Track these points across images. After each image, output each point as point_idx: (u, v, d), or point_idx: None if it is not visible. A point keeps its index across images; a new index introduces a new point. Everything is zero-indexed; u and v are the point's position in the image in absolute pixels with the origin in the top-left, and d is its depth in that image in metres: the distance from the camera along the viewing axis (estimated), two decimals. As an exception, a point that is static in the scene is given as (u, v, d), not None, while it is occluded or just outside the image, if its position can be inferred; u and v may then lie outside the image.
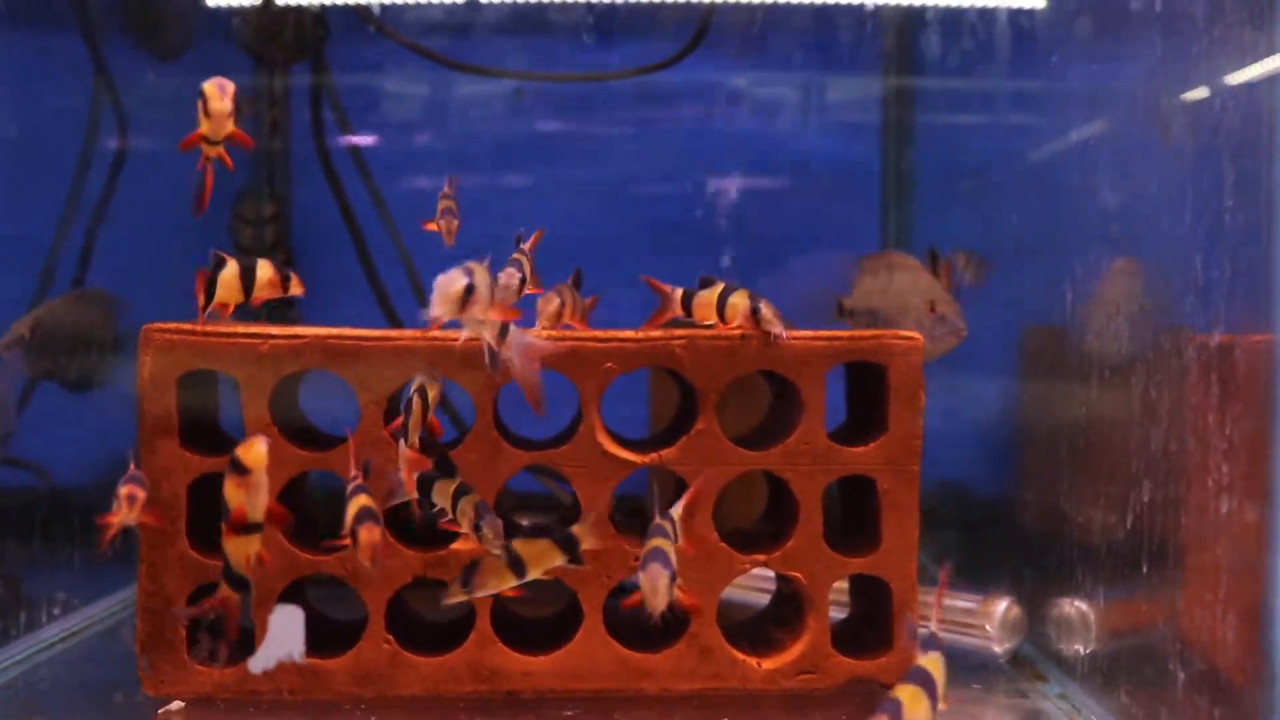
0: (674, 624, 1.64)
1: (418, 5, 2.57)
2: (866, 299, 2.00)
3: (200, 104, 1.42)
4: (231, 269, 1.51)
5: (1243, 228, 1.27)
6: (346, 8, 2.53)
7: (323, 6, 2.52)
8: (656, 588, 1.21)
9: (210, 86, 1.42)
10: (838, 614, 1.73)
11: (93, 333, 2.06)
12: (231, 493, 1.19)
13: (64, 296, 2.06)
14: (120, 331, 2.11)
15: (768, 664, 1.64)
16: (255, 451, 1.18)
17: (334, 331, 1.60)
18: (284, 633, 1.26)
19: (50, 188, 2.28)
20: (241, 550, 1.22)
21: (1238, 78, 1.29)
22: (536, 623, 1.77)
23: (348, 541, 1.24)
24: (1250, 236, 1.26)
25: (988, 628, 1.79)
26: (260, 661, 1.26)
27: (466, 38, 2.65)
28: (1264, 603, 1.26)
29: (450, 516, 1.37)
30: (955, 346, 1.93)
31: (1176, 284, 1.42)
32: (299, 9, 2.52)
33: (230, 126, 1.44)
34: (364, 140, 2.59)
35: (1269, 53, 1.23)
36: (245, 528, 1.20)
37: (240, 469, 1.18)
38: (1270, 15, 1.22)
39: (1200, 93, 1.38)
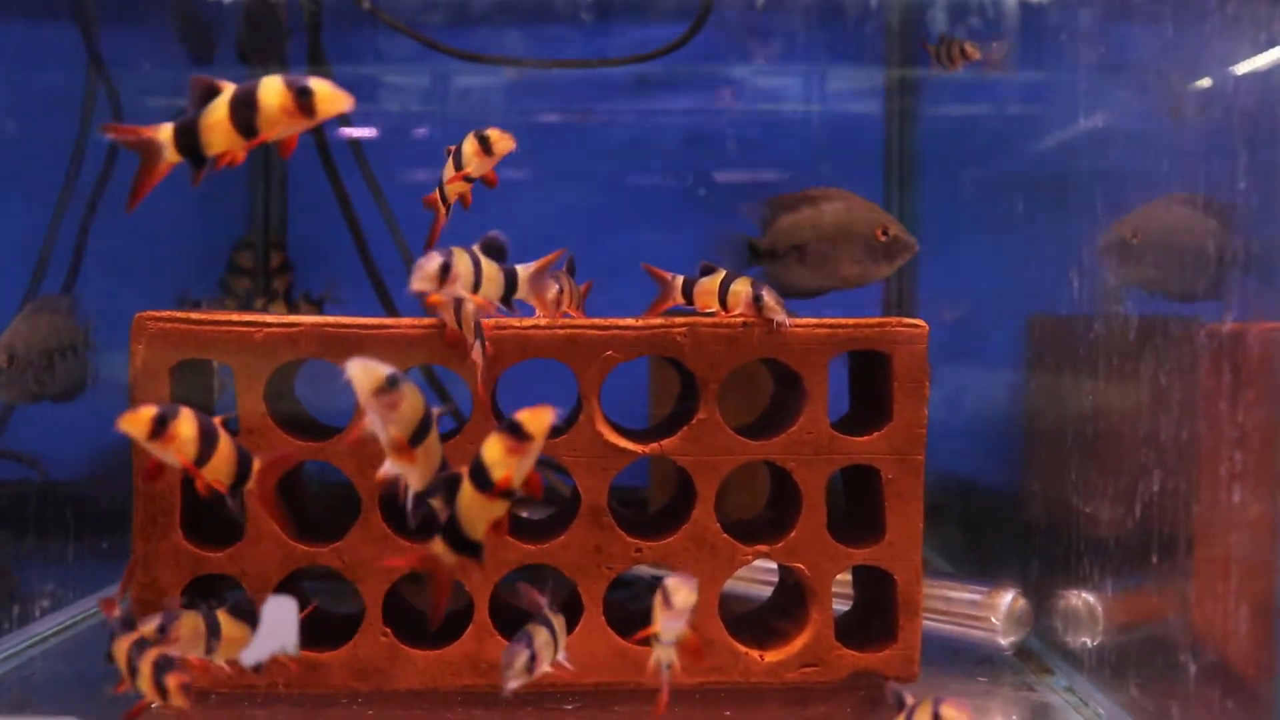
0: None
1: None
2: (790, 236, 2.00)
3: (296, 101, 1.11)
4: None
5: (1256, 212, 1.25)
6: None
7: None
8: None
9: (334, 92, 1.13)
10: (841, 606, 1.71)
11: (61, 340, 2.01)
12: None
13: (21, 314, 2.00)
14: (86, 329, 2.08)
15: (770, 657, 1.62)
16: (133, 421, 1.17)
17: (330, 320, 1.58)
18: (278, 625, 1.24)
19: (43, 179, 2.26)
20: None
21: (1251, 58, 1.27)
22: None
23: None
24: (1263, 221, 1.24)
25: (993, 620, 1.77)
26: (255, 653, 1.24)
27: (463, 25, 2.64)
28: (1277, 594, 1.24)
29: None
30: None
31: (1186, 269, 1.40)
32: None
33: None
34: (361, 132, 2.57)
35: (1284, 30, 1.21)
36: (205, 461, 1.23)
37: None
38: (1285, -7, 1.20)
39: (1212, 74, 1.36)
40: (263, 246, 2.69)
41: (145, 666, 1.22)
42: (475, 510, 1.14)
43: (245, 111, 1.12)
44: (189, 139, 1.14)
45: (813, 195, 2.02)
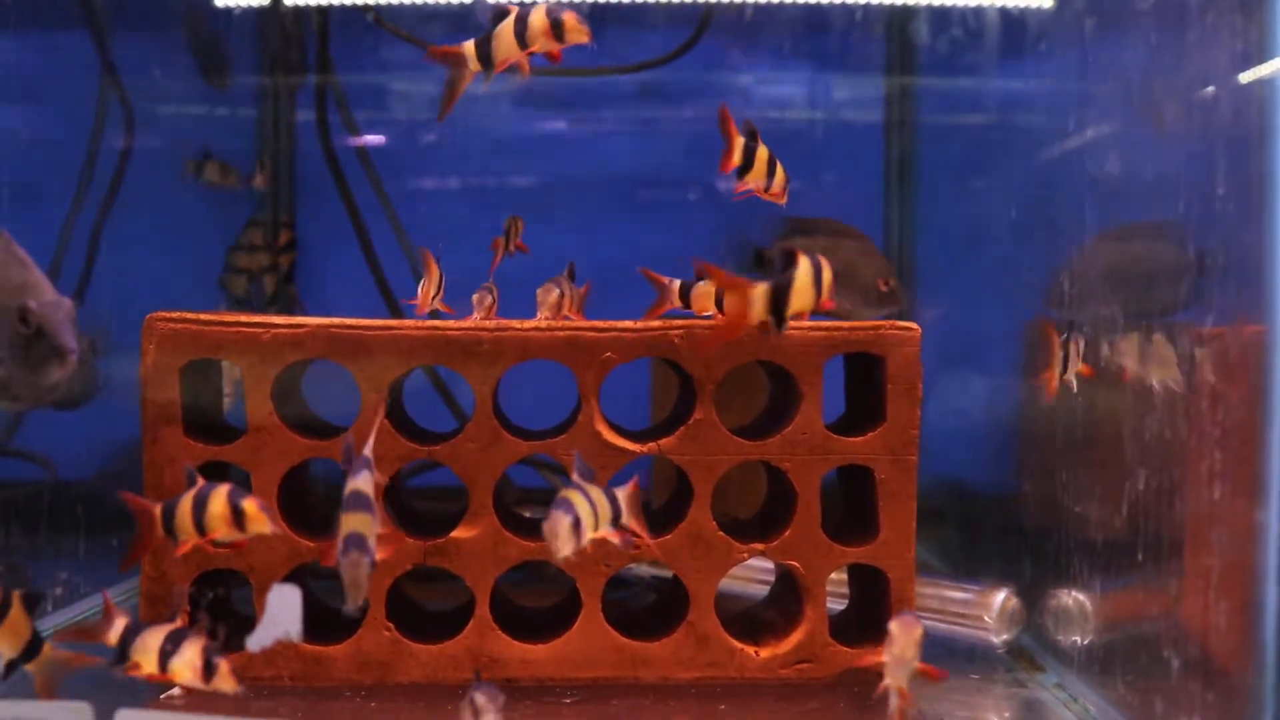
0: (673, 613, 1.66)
1: (420, 4, 2.60)
2: None
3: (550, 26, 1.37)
4: None
5: (1235, 216, 1.28)
6: (351, 7, 2.55)
7: (328, 4, 2.54)
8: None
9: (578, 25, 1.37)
10: (835, 604, 1.74)
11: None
12: None
13: None
14: (93, 339, 2.09)
15: (765, 653, 1.65)
16: None
17: (336, 321, 1.61)
18: (282, 613, 1.27)
19: (57, 185, 2.31)
20: None
21: (1231, 67, 1.30)
22: (535, 611, 1.78)
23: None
24: (1243, 226, 1.27)
25: (986, 618, 1.79)
26: (259, 640, 1.27)
27: (468, 33, 2.67)
28: (1255, 591, 1.27)
29: None
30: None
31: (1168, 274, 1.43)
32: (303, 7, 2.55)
33: None
34: (369, 139, 2.61)
35: (1262, 41, 1.24)
36: None
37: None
38: (1261, 5, 1.23)
39: (1194, 82, 1.39)
40: (272, 227, 2.72)
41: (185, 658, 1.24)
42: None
43: (520, 28, 1.40)
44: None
45: (832, 227, 2.12)
